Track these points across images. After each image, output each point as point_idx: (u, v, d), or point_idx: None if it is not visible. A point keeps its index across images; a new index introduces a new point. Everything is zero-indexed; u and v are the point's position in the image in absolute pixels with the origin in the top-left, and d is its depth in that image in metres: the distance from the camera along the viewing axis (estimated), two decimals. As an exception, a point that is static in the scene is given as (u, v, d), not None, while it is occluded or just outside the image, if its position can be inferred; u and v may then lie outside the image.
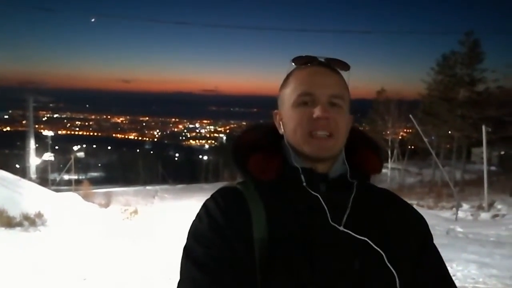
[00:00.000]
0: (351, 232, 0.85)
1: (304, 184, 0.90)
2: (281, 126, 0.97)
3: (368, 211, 0.92)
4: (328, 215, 0.86)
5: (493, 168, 28.98)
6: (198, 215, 0.91)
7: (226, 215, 0.87)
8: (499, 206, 16.32)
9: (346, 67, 0.97)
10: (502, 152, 31.65)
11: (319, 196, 0.88)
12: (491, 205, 16.43)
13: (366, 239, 0.84)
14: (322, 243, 0.85)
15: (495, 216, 14.95)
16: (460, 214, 15.46)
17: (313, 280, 0.82)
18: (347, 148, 0.97)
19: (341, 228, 0.85)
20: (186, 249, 0.87)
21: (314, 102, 0.90)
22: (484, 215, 15.30)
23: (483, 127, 17.96)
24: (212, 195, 0.93)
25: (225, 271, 0.80)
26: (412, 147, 34.42)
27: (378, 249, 0.84)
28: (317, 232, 0.86)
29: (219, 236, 0.84)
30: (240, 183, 0.95)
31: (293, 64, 0.98)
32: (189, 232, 0.90)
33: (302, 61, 0.97)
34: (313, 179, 0.91)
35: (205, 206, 0.92)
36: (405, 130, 36.57)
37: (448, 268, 0.97)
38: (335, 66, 0.96)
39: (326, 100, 0.90)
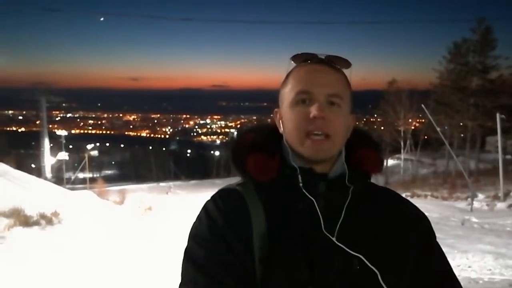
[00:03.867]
0: (344, 247, 0.84)
1: (301, 184, 0.89)
2: (281, 125, 0.95)
3: (365, 217, 0.90)
4: (322, 223, 0.85)
5: (508, 157, 28.53)
6: (198, 217, 0.92)
7: (225, 217, 0.87)
8: (515, 196, 16.10)
9: (347, 64, 0.94)
10: (518, 140, 31.09)
11: (314, 201, 0.87)
12: (507, 195, 16.23)
13: (360, 256, 0.83)
14: (321, 244, 0.85)
15: (511, 205, 14.77)
16: (475, 204, 15.29)
17: (313, 281, 0.82)
18: (348, 148, 0.96)
19: (334, 239, 0.84)
20: (186, 251, 0.88)
21: (311, 101, 0.88)
22: (500, 205, 15.11)
23: (497, 115, 17.71)
24: (212, 197, 0.93)
25: (225, 273, 0.81)
26: (425, 137, 34.04)
27: (373, 267, 0.83)
28: (315, 234, 0.85)
29: (219, 238, 0.85)
30: (239, 184, 0.95)
31: (292, 62, 0.96)
32: (189, 234, 0.90)
33: (301, 59, 0.94)
34: (312, 179, 0.90)
35: (205, 208, 0.92)
36: (417, 120, 36.18)
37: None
38: (335, 63, 0.93)
39: (324, 99, 0.88)
